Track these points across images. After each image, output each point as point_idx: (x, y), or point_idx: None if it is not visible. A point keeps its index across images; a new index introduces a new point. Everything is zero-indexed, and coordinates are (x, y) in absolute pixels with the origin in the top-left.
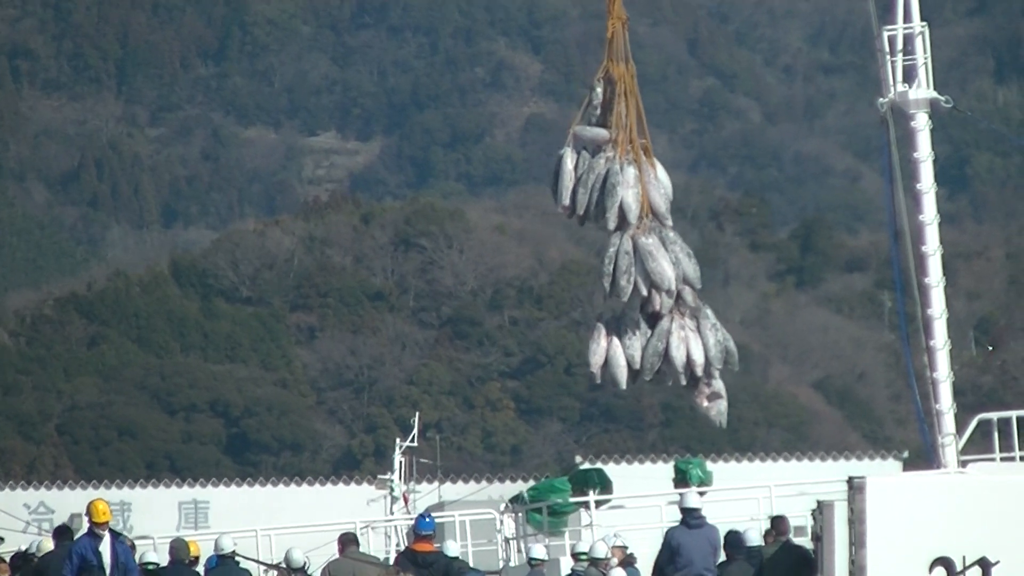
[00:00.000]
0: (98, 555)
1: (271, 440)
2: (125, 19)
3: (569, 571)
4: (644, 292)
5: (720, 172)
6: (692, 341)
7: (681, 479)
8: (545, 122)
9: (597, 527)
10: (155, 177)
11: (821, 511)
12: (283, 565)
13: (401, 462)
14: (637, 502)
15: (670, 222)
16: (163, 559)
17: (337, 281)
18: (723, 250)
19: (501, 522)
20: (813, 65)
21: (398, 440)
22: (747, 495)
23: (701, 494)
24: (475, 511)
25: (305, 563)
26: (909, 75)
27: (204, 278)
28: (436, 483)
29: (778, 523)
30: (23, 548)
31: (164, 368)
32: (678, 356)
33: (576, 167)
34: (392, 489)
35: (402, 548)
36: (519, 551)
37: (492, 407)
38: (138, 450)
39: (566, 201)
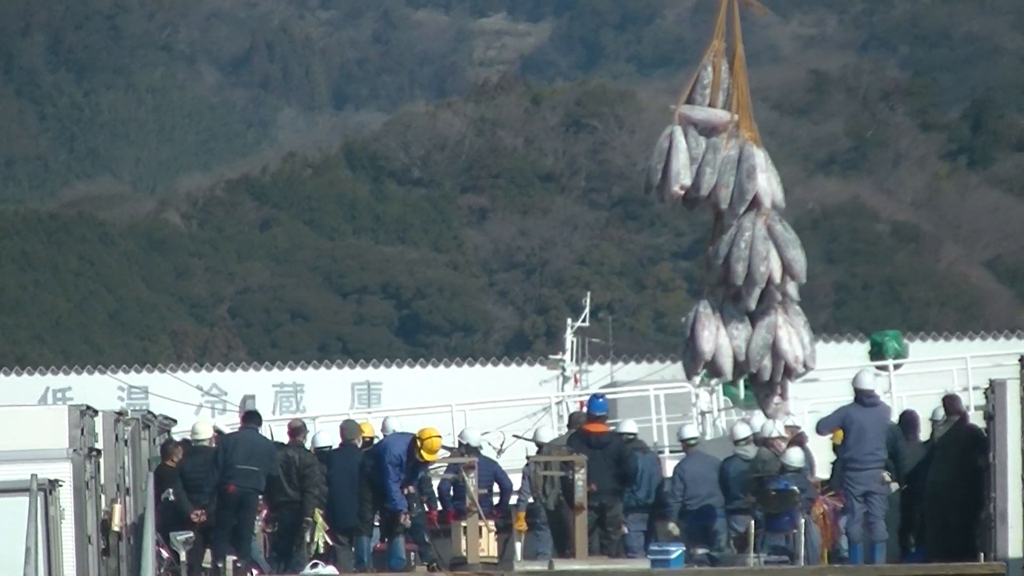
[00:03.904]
0: (408, 471)
1: (443, 322)
2: None
3: (733, 453)
4: (777, 280)
5: (890, 52)
6: (794, 337)
7: (877, 352)
8: (715, 3)
9: (793, 400)
10: (325, 60)
11: (993, 390)
12: (457, 445)
13: (572, 343)
14: (831, 375)
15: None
16: (334, 440)
17: (508, 163)
18: (893, 130)
19: (696, 396)
20: None
21: (569, 321)
22: (943, 368)
23: (897, 367)
24: (670, 385)
25: (480, 444)
26: None
27: (375, 160)
28: (608, 364)
29: (950, 402)
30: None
31: (336, 250)
32: (790, 350)
33: (688, 148)
34: (564, 370)
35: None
36: (714, 425)
37: (663, 288)
38: (310, 332)
39: (687, 181)
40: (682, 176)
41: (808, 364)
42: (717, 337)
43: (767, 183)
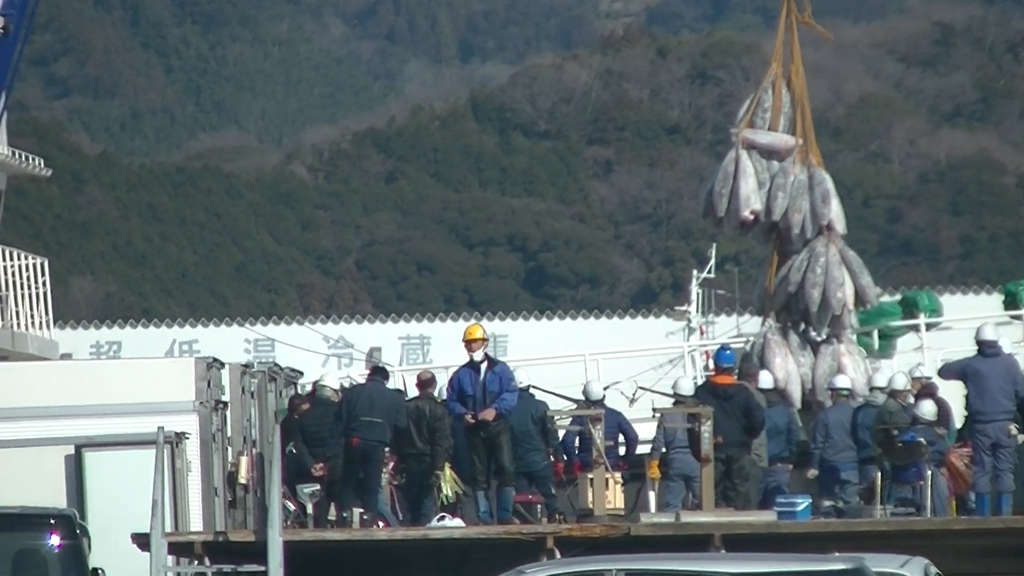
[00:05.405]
0: (475, 385)
1: (569, 274)
2: None
3: (860, 403)
4: (851, 307)
5: (1017, 3)
6: (857, 365)
7: (1011, 301)
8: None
9: (927, 350)
10: (452, 11)
11: None
12: (581, 398)
13: (698, 294)
14: (964, 324)
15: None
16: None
17: (634, 115)
18: (1020, 82)
19: None
20: None
21: (695, 273)
22: None
23: None
24: None
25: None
26: None
27: (502, 112)
28: (734, 315)
29: None
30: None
31: (462, 202)
32: (856, 378)
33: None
34: (689, 321)
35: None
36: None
37: None
38: (436, 284)
39: (758, 206)
40: (752, 200)
41: (864, 392)
42: (787, 364)
43: (838, 207)
